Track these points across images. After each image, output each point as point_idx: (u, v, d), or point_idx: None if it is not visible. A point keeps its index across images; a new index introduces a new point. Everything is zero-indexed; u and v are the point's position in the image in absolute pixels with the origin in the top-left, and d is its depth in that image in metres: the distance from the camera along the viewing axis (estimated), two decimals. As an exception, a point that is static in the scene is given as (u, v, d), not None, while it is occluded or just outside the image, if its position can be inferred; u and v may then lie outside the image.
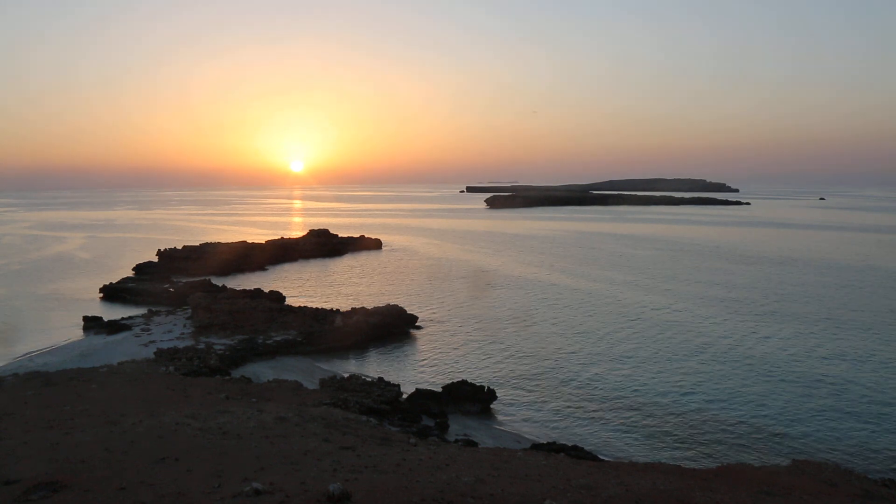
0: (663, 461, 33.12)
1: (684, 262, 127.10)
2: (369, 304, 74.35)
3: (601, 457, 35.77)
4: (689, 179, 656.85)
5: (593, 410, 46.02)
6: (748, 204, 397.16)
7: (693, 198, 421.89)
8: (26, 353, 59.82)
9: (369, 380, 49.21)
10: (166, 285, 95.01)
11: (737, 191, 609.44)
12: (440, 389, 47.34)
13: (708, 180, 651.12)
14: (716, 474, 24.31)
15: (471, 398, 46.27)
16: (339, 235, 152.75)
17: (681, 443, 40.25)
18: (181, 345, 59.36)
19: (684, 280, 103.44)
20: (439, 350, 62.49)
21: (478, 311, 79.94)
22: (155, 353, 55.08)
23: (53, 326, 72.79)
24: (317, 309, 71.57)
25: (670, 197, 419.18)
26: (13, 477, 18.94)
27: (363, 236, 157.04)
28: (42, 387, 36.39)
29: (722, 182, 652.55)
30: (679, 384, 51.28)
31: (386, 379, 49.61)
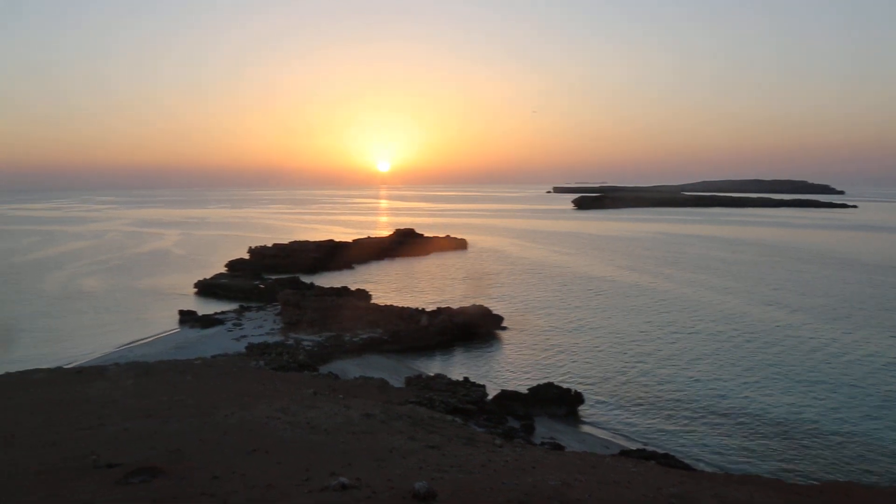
0: (761, 474, 31.61)
1: (783, 266, 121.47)
2: (455, 304, 74.39)
3: (693, 466, 34.47)
4: (789, 181, 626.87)
5: (685, 417, 44.46)
6: (855, 207, 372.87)
7: (793, 199, 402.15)
8: (126, 344, 62.83)
9: (454, 379, 49.12)
10: (257, 282, 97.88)
11: (842, 192, 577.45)
12: (526, 391, 46.79)
13: (809, 181, 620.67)
14: (820, 491, 22.93)
15: (557, 401, 45.51)
16: (425, 235, 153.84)
17: (781, 456, 38.25)
18: (271, 340, 60.85)
19: (784, 286, 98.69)
20: (525, 351, 61.87)
21: (565, 313, 78.84)
22: (246, 348, 56.75)
23: (151, 319, 76.22)
24: (402, 308, 72.06)
25: (768, 199, 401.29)
26: (115, 461, 19.73)
27: (448, 236, 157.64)
28: (141, 376, 37.91)
29: (825, 184, 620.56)
30: (778, 393, 48.90)
31: (471, 379, 49.39)
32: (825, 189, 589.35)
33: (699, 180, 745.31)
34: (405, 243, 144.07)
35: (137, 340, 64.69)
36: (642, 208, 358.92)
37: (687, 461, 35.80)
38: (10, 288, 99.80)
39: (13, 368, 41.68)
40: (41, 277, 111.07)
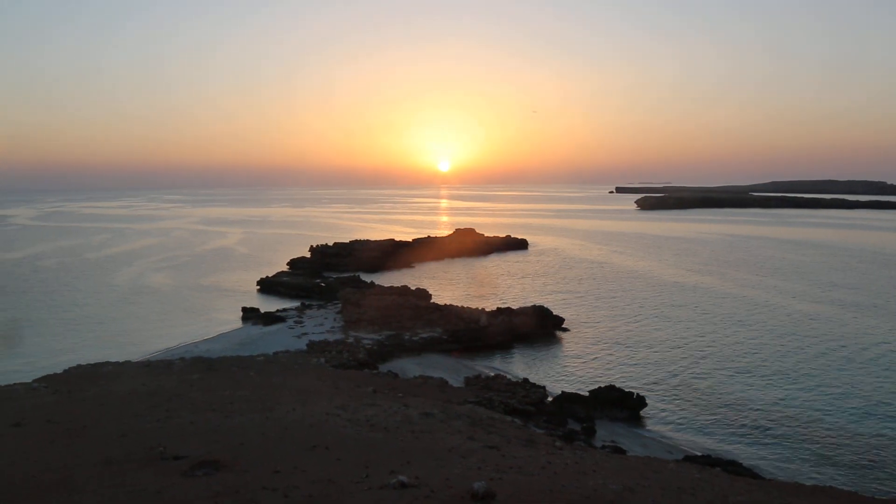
0: (834, 486, 30.33)
1: (856, 271, 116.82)
2: (515, 304, 73.91)
3: (761, 475, 33.31)
4: (865, 181, 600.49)
5: (751, 425, 43.03)
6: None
7: (869, 201, 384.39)
8: (192, 340, 64.48)
9: (514, 380, 48.82)
10: (318, 280, 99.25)
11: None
12: (587, 393, 46.09)
13: (888, 182, 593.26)
14: (899, 504, 21.87)
15: (619, 404, 44.69)
16: (485, 235, 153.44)
17: (854, 468, 36.58)
18: (331, 338, 61.40)
19: (857, 292, 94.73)
20: (586, 353, 61.02)
21: (627, 315, 77.48)
22: (307, 345, 57.45)
23: (215, 316, 78.19)
24: (462, 307, 71.87)
25: (842, 200, 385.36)
26: (181, 453, 20.22)
27: (509, 236, 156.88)
28: (205, 371, 38.80)
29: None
30: (851, 404, 46.88)
31: (531, 380, 48.99)
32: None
33: (769, 180, 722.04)
34: (465, 243, 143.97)
35: (202, 336, 66.34)
36: (708, 209, 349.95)
37: (754, 469, 34.64)
38: (82, 283, 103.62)
39: (84, 361, 43.21)
40: (111, 273, 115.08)
